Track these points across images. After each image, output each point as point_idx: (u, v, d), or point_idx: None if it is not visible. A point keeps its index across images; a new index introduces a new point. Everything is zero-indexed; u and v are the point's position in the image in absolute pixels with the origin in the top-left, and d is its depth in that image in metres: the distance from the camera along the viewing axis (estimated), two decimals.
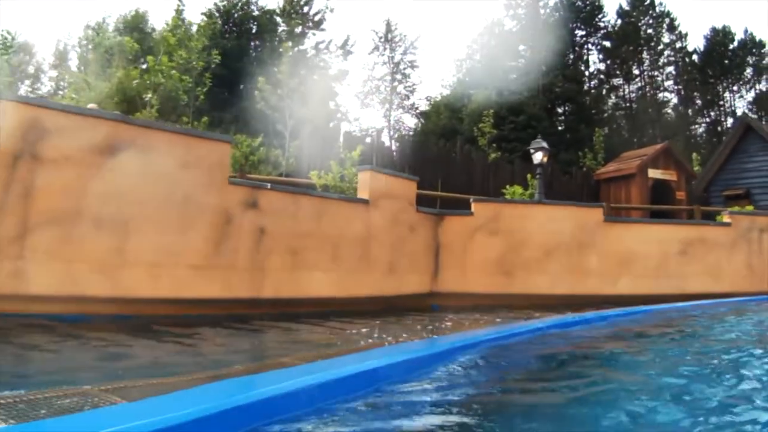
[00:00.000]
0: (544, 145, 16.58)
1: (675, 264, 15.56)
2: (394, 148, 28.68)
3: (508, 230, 14.91)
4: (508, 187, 18.04)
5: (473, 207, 14.99)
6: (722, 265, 15.99)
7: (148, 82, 21.57)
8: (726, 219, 16.59)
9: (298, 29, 39.81)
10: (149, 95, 21.36)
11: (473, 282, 14.55)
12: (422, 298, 14.06)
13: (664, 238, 15.76)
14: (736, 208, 18.46)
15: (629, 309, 11.49)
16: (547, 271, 14.86)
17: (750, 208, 21.92)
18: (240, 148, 21.27)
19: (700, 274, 15.67)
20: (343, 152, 17.84)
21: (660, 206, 24.75)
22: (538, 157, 16.50)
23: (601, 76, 55.31)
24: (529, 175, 20.83)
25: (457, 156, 26.92)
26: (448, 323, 11.09)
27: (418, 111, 45.72)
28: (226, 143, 10.98)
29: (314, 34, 42.01)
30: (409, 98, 46.00)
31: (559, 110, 46.47)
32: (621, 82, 55.93)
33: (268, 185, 11.49)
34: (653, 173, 27.74)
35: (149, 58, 22.50)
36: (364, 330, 9.23)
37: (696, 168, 31.59)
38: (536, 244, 14.94)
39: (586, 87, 51.01)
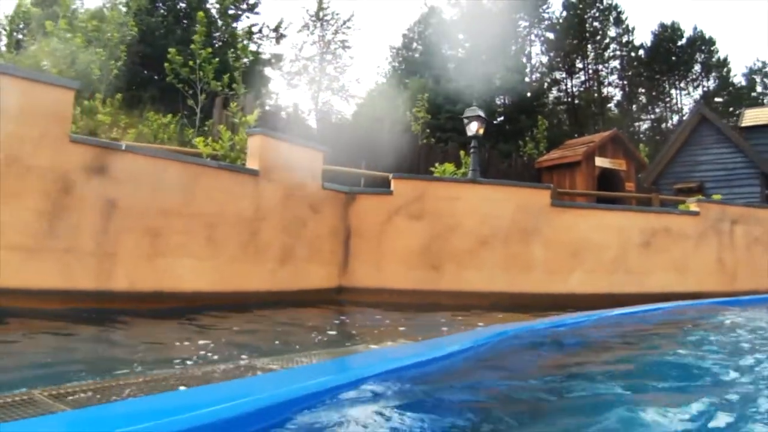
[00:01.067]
0: (480, 113, 14.02)
1: (636, 257, 13.46)
2: (316, 126, 26.19)
3: (435, 214, 12.49)
4: (437, 165, 15.26)
5: (393, 185, 12.59)
6: (689, 259, 14.04)
7: (46, 49, 19.07)
8: (694, 207, 14.50)
9: (231, 10, 37.83)
10: (45, 63, 18.78)
11: (392, 276, 12.22)
12: (327, 294, 11.77)
13: (623, 226, 13.58)
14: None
15: (559, 320, 8.54)
16: (483, 264, 12.51)
17: None
18: (148, 126, 19.41)
19: (665, 269, 13.66)
20: (237, 116, 15.03)
21: (610, 193, 22.47)
22: (472, 128, 13.93)
23: (544, 69, 53.57)
24: (462, 152, 18.09)
25: (384, 136, 24.61)
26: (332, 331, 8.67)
27: (348, 94, 44.09)
28: (68, 90, 8.60)
29: (248, 17, 40.16)
30: (339, 80, 44.31)
31: (499, 101, 44.47)
32: (564, 75, 54.32)
33: (123, 145, 9.23)
34: (601, 162, 25.83)
35: (47, 22, 20.33)
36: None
37: (646, 159, 29.68)
38: (469, 231, 12.54)
39: (528, 79, 49.11)
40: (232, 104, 17.96)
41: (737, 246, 14.59)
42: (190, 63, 19.97)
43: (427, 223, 12.38)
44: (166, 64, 20.29)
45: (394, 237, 12.31)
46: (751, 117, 28.26)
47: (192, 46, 20.66)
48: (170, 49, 20.58)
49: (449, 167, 14.94)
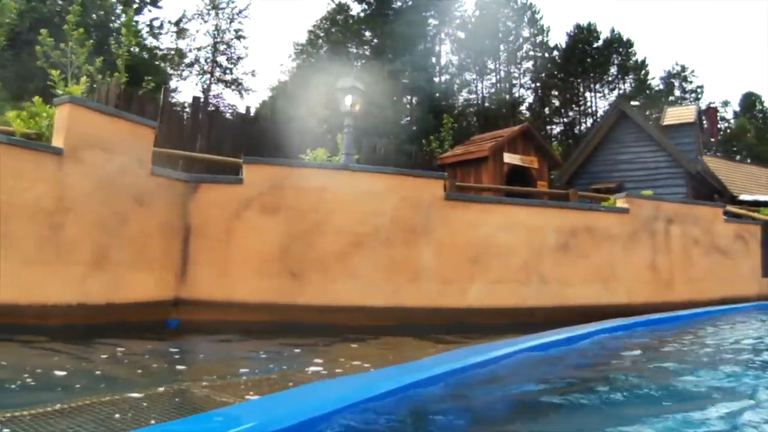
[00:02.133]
0: (357, 84, 11.41)
1: (552, 263, 10.99)
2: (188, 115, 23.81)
3: (296, 208, 9.82)
4: (309, 151, 12.41)
5: (245, 171, 9.87)
6: (617, 265, 11.74)
7: None
8: (622, 203, 12.16)
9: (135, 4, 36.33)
10: None
11: (241, 286, 9.49)
12: (158, 309, 9.09)
13: (536, 225, 11.04)
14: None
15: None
16: (357, 272, 9.84)
17: None
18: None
19: (587, 278, 11.31)
20: (60, 86, 12.15)
21: (521, 188, 19.84)
22: (347, 102, 11.39)
23: (454, 69, 51.75)
24: (340, 136, 15.39)
25: (267, 126, 22.34)
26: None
27: (241, 87, 42.46)
28: None
29: (150, 11, 39.92)
30: (231, 72, 42.41)
31: (405, 101, 43.87)
32: (475, 76, 52.87)
33: None
34: (510, 158, 23.53)
35: None
36: None
37: (561, 157, 28.46)
38: (339, 229, 9.86)
39: (436, 79, 47.76)
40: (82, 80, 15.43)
41: (673, 249, 12.45)
42: (62, 45, 17.72)
43: (286, 220, 9.71)
44: (37, 48, 18.04)
45: (245, 237, 9.63)
46: (673, 115, 27.37)
47: (65, 26, 18.62)
48: (42, 30, 18.34)
49: (321, 153, 12.13)
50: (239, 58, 44.39)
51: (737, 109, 65.61)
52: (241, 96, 43.93)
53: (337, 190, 9.88)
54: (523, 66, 54.70)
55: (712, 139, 49.74)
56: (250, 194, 9.65)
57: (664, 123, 26.68)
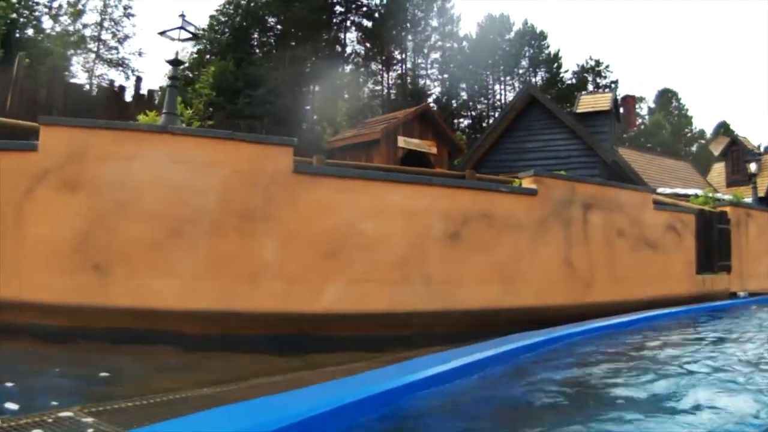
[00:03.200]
0: (193, 28, 9.03)
1: (438, 258, 8.73)
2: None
3: (99, 183, 7.51)
4: (147, 113, 9.88)
5: (41, 134, 7.54)
6: (523, 260, 9.54)
7: None
8: (529, 184, 9.94)
9: None
10: None
11: (33, 282, 7.32)
12: None
13: (417, 209, 8.69)
14: None
15: None
16: (176, 266, 7.57)
17: None
18: None
19: (485, 276, 9.12)
20: None
21: (407, 167, 17.09)
22: (176, 45, 8.91)
23: (359, 59, 50.02)
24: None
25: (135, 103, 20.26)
26: None
27: (127, 67, 41.06)
28: None
29: None
30: (118, 51, 40.72)
31: (308, 89, 42.42)
32: (381, 67, 51.29)
33: None
34: (405, 142, 21.79)
35: None
36: None
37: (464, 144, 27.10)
38: (151, 211, 7.57)
39: (341, 69, 46.29)
40: None
41: (593, 241, 10.36)
42: None
43: (88, 198, 7.41)
44: None
45: (39, 220, 7.37)
46: (588, 102, 26.16)
47: None
48: None
49: (153, 116, 9.66)
50: (126, 37, 41.88)
51: (652, 105, 65.63)
52: (127, 77, 41.45)
53: (149, 160, 7.57)
54: (431, 57, 53.37)
55: (631, 129, 48.95)
56: (45, 164, 7.40)
57: (578, 110, 25.42)
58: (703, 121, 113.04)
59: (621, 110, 28.67)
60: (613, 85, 56.26)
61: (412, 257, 8.44)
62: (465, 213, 8.92)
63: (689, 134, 66.03)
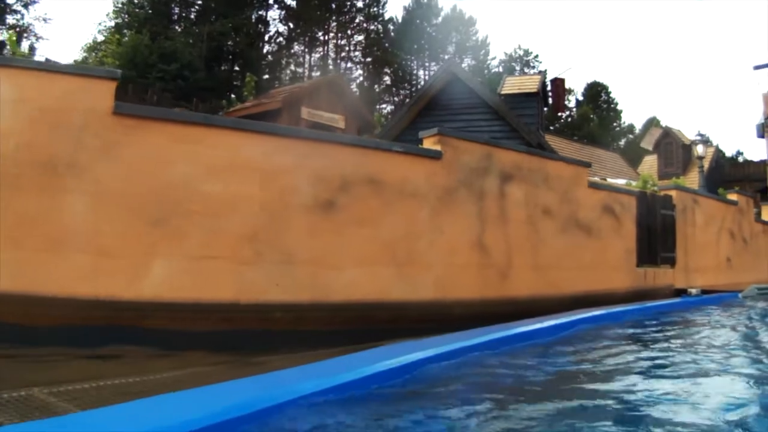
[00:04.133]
0: None
1: (305, 232, 6.69)
2: None
3: None
4: None
5: None
6: (421, 240, 7.53)
7: None
8: (432, 145, 7.97)
9: None
10: None
11: None
12: None
13: (277, 168, 6.64)
14: None
15: None
16: None
17: None
18: None
19: (369, 257, 7.13)
20: None
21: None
22: None
23: (281, 40, 49.70)
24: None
25: None
26: None
27: (32, 33, 40.33)
28: None
29: None
30: (22, 16, 41.11)
31: (225, 68, 43.31)
32: (303, 48, 51.04)
33: None
34: (309, 114, 20.02)
35: None
36: None
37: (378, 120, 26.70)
38: None
39: (263, 50, 46.90)
40: None
41: (512, 219, 8.42)
42: None
43: None
44: None
45: None
46: (513, 84, 25.51)
47: None
48: None
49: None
50: (33, 1, 40.20)
51: (581, 98, 65.17)
52: (32, 42, 40.05)
53: None
54: (354, 39, 53.15)
55: (560, 113, 47.96)
56: None
57: (503, 92, 24.36)
58: (633, 116, 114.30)
59: (550, 94, 27.36)
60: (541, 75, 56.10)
61: (267, 229, 6.40)
62: (345, 176, 6.91)
63: (618, 128, 66.20)
